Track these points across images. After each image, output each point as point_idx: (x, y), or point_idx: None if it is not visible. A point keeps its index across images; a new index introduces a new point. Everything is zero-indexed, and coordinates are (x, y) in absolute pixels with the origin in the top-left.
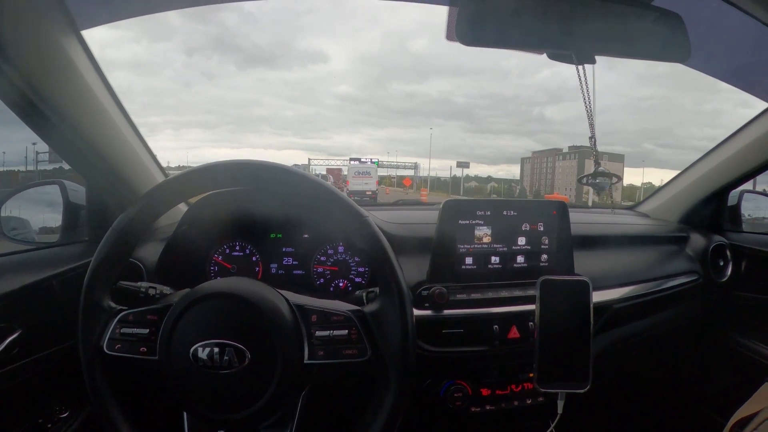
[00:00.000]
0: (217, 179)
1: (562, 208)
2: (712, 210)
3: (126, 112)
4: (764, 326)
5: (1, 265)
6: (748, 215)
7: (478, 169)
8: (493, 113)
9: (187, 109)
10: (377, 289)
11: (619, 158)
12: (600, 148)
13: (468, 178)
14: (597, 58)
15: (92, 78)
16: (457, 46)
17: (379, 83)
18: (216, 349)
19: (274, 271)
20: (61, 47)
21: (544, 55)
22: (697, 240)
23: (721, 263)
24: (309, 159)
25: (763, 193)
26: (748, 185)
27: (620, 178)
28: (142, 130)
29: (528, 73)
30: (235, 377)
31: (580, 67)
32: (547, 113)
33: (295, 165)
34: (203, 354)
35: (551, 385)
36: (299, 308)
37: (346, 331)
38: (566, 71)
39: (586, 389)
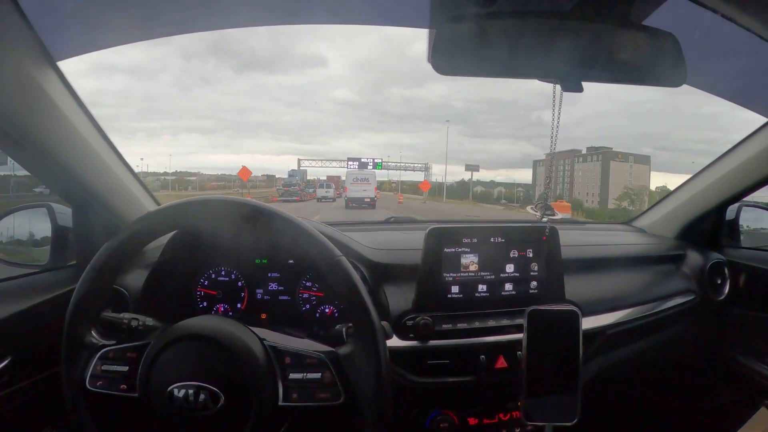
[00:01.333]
0: (198, 215)
1: (553, 233)
2: (710, 225)
3: (108, 139)
4: (762, 344)
5: None
6: (747, 226)
7: (476, 174)
8: (492, 118)
9: (185, 115)
10: None
11: (645, 160)
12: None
13: (473, 183)
14: (585, 84)
15: (70, 108)
16: None
17: (378, 88)
18: (191, 391)
19: (259, 296)
20: (36, 80)
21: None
22: (694, 258)
23: (719, 281)
24: (299, 160)
25: (762, 206)
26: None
27: (557, 214)
28: (140, 135)
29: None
30: (211, 419)
31: (557, 90)
32: (545, 117)
33: (292, 170)
34: (179, 394)
35: (538, 418)
36: (273, 349)
37: (319, 374)
38: None
39: (573, 422)
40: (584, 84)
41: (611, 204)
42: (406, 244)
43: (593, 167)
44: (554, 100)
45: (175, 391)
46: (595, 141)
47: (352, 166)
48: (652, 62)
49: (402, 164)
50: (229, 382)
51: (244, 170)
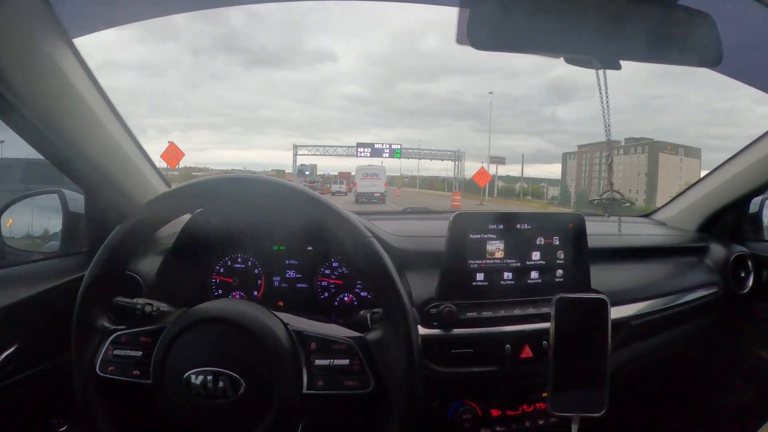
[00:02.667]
0: (217, 194)
1: (579, 221)
2: (733, 218)
3: (123, 121)
4: None
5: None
6: None
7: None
8: (504, 113)
9: (194, 111)
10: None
11: (695, 153)
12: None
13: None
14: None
15: (86, 87)
16: (468, 49)
17: (388, 83)
18: (210, 377)
19: (276, 284)
20: (52, 57)
21: (562, 59)
22: (717, 250)
23: (743, 274)
24: (294, 146)
25: None
26: None
27: (633, 203)
28: (151, 132)
29: (539, 73)
30: (230, 407)
31: (600, 72)
32: (558, 113)
33: (302, 165)
34: (197, 381)
35: (565, 408)
36: (298, 334)
37: (347, 361)
38: (579, 71)
39: (601, 413)
40: (602, 91)
41: (661, 201)
42: (427, 231)
43: (636, 160)
44: (599, 83)
45: (193, 378)
46: (600, 137)
47: (363, 154)
48: (688, 41)
49: (426, 151)
50: (250, 368)
51: (172, 149)
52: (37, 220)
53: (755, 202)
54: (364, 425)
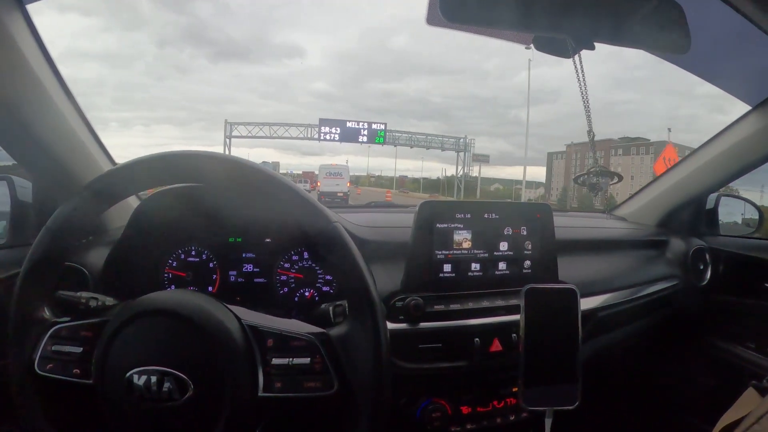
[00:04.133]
0: (169, 171)
1: (546, 211)
2: (690, 214)
3: (74, 99)
4: (743, 329)
5: None
6: (725, 215)
7: (451, 170)
8: (471, 114)
9: (158, 105)
10: (346, 303)
11: None
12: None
13: (449, 179)
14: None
15: (36, 59)
16: (438, 46)
17: (356, 81)
18: (154, 378)
19: (233, 279)
20: (5, 24)
21: (532, 48)
22: (676, 244)
23: (701, 267)
24: (226, 122)
25: (741, 197)
26: (725, 189)
27: (621, 178)
28: (114, 126)
29: (508, 75)
30: (177, 411)
31: (576, 57)
32: (522, 115)
33: (264, 162)
34: (139, 382)
35: (538, 402)
36: (253, 330)
37: (308, 359)
38: (546, 74)
39: (574, 406)
40: (580, 75)
41: None
42: (392, 222)
43: (640, 162)
44: (576, 66)
45: (135, 378)
46: (574, 139)
47: (330, 136)
48: (659, 28)
49: (421, 136)
50: (199, 367)
51: None
52: None
53: (711, 198)
54: (328, 429)
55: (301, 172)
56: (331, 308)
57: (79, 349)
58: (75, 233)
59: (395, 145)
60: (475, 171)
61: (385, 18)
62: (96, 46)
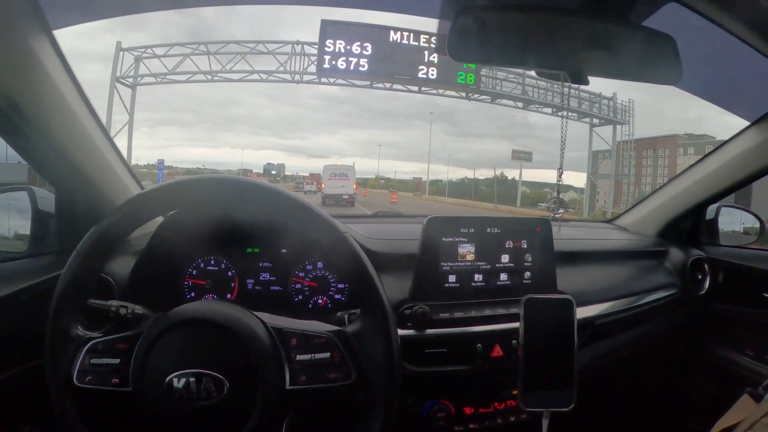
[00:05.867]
0: (193, 196)
1: (546, 226)
2: (690, 224)
3: (98, 118)
4: (741, 337)
5: None
6: (724, 226)
7: (457, 173)
8: (477, 117)
9: (162, 107)
10: (358, 311)
11: None
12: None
13: (480, 182)
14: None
15: (63, 80)
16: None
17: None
18: (192, 379)
19: (250, 287)
20: (32, 48)
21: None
22: (675, 254)
23: (699, 276)
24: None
25: (741, 207)
26: (725, 200)
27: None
28: (117, 128)
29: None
30: (214, 408)
31: (564, 89)
32: (530, 118)
33: (268, 164)
34: (179, 384)
35: (536, 404)
36: (277, 331)
37: (328, 354)
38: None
39: (570, 407)
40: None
41: None
42: (400, 234)
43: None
44: (563, 93)
45: (175, 381)
46: (579, 142)
47: (345, 64)
48: (652, 61)
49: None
50: (233, 367)
51: None
52: (4, 218)
53: (711, 209)
54: (346, 417)
55: (308, 174)
56: (346, 315)
57: (117, 361)
58: (105, 253)
59: (493, 99)
60: (510, 172)
61: (390, 19)
62: (98, 46)
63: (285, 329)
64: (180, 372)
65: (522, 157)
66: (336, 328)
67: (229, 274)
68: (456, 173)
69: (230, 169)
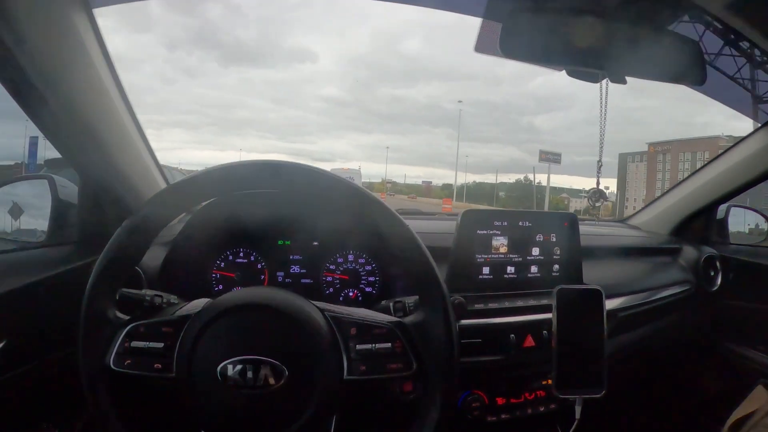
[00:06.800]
0: (247, 179)
1: (573, 220)
2: (701, 223)
3: (129, 104)
4: (752, 332)
5: None
6: (734, 225)
7: (462, 178)
8: (483, 121)
9: (168, 109)
10: (405, 300)
11: None
12: (590, 158)
13: (501, 186)
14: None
15: (100, 63)
16: (452, 52)
17: (367, 86)
18: (250, 366)
19: (280, 279)
20: (72, 24)
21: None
22: (689, 251)
23: (712, 273)
24: None
25: (750, 208)
26: (735, 200)
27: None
28: None
29: (521, 81)
30: (270, 397)
31: (603, 89)
32: (536, 122)
33: None
34: (233, 372)
35: (569, 391)
36: (336, 320)
37: (389, 344)
38: (559, 80)
39: (601, 394)
40: (603, 107)
41: None
42: (432, 229)
43: None
44: (601, 93)
45: (230, 368)
46: (583, 147)
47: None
48: (679, 63)
49: None
50: (292, 355)
51: None
52: (24, 206)
53: (722, 208)
54: (394, 407)
55: None
56: (391, 304)
57: (160, 345)
58: (150, 235)
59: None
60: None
61: (397, 22)
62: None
63: (344, 318)
64: (236, 358)
65: (551, 159)
66: (394, 318)
67: (259, 266)
68: (461, 177)
69: None
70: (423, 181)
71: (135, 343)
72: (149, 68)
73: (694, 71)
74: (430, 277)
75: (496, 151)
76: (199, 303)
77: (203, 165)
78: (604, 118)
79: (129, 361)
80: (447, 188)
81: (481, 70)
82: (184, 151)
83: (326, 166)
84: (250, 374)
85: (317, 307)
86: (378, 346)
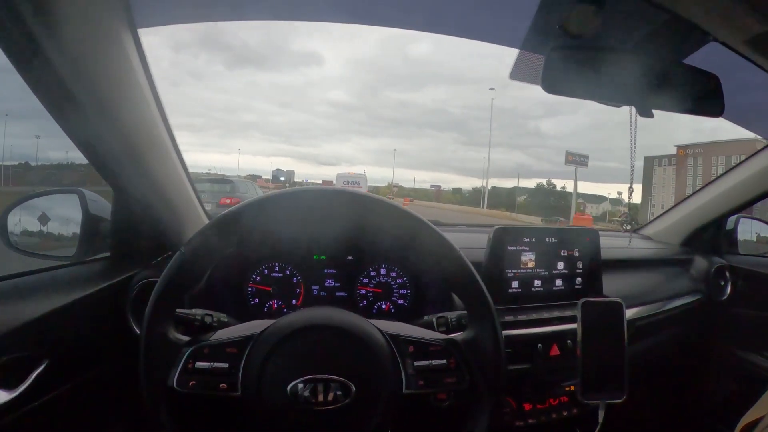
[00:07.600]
0: (307, 205)
1: (595, 236)
2: (712, 234)
3: (166, 119)
4: (761, 340)
5: (18, 286)
6: (744, 236)
7: (468, 182)
8: (487, 125)
9: (174, 111)
10: (448, 315)
11: None
12: (597, 163)
13: (520, 190)
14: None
15: (144, 82)
16: (460, 56)
17: (373, 90)
18: (320, 385)
19: (315, 292)
20: (118, 41)
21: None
22: (699, 262)
23: (722, 283)
24: None
25: (758, 218)
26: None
27: None
28: None
29: (528, 86)
30: (339, 413)
31: (632, 113)
32: (542, 127)
33: (277, 170)
34: (305, 391)
35: (593, 396)
36: (394, 338)
37: (444, 360)
38: None
39: (623, 399)
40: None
41: None
42: (461, 243)
43: None
44: (631, 123)
45: (300, 387)
46: (591, 152)
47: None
48: (699, 96)
49: None
50: (358, 372)
51: None
52: (54, 220)
53: (731, 219)
54: (442, 423)
55: (321, 182)
56: (434, 319)
57: (225, 365)
58: (212, 256)
59: None
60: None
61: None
62: None
63: (401, 336)
64: (306, 377)
65: (578, 162)
66: (447, 336)
67: (294, 280)
68: (467, 182)
69: (239, 175)
70: (432, 186)
71: (199, 364)
72: (154, 70)
73: (713, 103)
74: (481, 299)
75: (501, 156)
76: (258, 323)
77: (208, 168)
78: (634, 147)
79: (194, 382)
80: (457, 192)
81: (489, 72)
82: (188, 153)
83: (331, 170)
84: (320, 392)
85: (374, 325)
86: (435, 362)
